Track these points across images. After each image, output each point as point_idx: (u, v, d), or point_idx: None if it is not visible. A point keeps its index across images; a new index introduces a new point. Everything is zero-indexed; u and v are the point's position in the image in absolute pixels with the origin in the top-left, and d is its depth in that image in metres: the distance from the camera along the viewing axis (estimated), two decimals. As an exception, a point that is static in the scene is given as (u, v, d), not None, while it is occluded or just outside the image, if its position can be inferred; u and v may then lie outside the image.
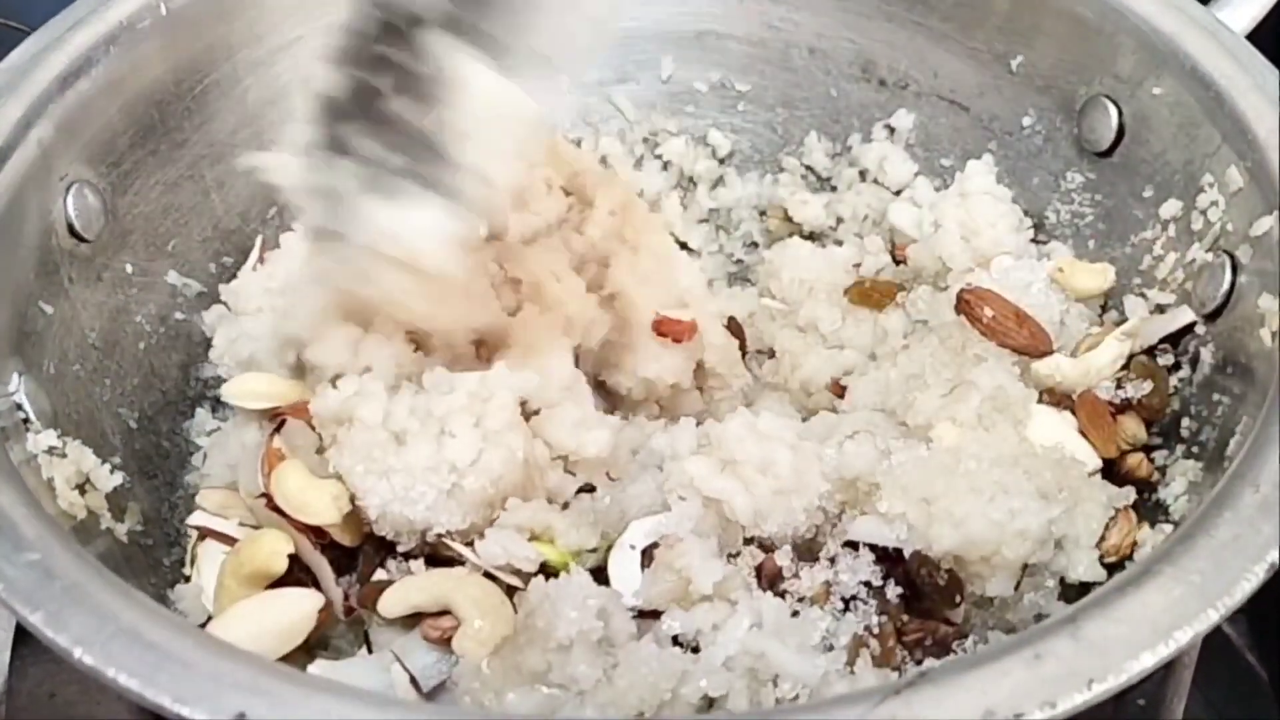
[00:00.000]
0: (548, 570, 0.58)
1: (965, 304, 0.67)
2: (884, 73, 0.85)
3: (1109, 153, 0.74)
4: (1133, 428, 0.64)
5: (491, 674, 0.52)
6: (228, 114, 0.78)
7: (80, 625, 0.45)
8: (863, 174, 0.87)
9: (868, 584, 0.57)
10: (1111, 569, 0.59)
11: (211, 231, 0.78)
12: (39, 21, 0.70)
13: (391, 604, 0.56)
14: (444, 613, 0.56)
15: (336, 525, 0.59)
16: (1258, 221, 0.61)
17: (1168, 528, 0.58)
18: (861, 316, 0.78)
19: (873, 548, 0.58)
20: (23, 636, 0.64)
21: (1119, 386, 0.66)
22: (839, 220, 0.87)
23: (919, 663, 0.55)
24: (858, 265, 0.82)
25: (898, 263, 0.82)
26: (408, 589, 0.57)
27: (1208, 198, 0.66)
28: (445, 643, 0.56)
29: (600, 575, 0.57)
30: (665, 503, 0.60)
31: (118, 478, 0.63)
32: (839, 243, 0.86)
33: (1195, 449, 0.61)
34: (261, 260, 0.77)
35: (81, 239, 0.68)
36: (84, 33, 0.69)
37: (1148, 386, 0.65)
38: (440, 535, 0.58)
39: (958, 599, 0.57)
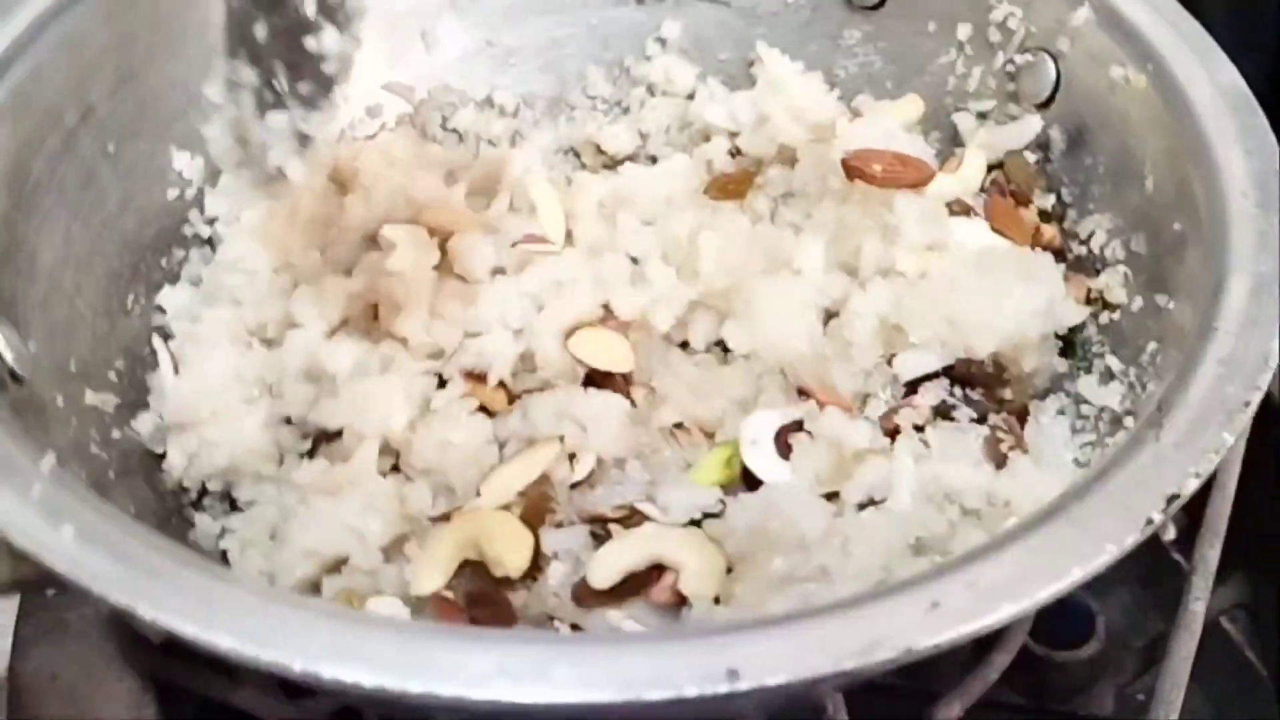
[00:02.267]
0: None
1: (854, 168, 0.75)
2: (639, -8, 0.91)
3: (881, 4, 0.85)
4: (1029, 214, 0.76)
5: (743, 593, 0.55)
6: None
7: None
8: (650, 89, 0.92)
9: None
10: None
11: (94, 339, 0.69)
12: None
13: (604, 574, 0.57)
14: (654, 571, 0.57)
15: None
16: (1074, 14, 0.74)
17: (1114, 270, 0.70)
18: (729, 208, 0.84)
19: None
20: (24, 619, 0.62)
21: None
22: (644, 137, 0.92)
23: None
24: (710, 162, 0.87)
25: (733, 156, 0.88)
26: (614, 556, 0.57)
27: (1002, 12, 0.79)
28: (673, 603, 0.57)
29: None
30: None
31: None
32: (653, 158, 0.91)
33: (1090, 205, 0.75)
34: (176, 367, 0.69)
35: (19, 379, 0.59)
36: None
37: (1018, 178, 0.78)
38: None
39: (1006, 378, 0.67)
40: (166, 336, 0.73)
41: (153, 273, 0.75)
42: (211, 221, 0.78)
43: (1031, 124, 0.78)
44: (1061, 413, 0.67)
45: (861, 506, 0.60)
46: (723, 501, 0.61)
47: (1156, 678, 0.60)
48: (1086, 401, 0.66)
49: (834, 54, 0.88)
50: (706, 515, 0.61)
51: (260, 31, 0.55)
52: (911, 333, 0.66)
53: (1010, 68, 0.79)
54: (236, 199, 0.78)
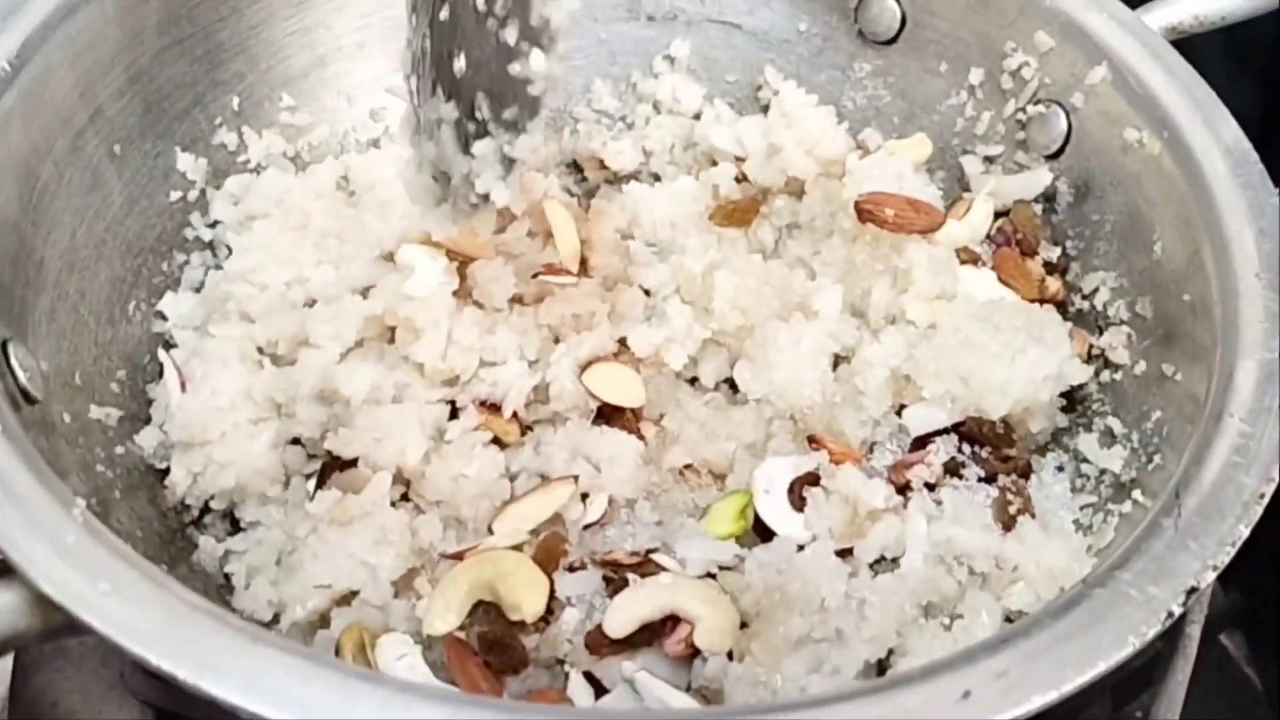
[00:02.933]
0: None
1: (867, 212, 0.75)
2: (650, 8, 0.90)
3: (894, 40, 0.86)
4: (1035, 265, 0.78)
5: (759, 650, 0.56)
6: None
7: None
8: (656, 106, 0.92)
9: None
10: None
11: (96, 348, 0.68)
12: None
13: (620, 623, 0.57)
14: (668, 622, 0.58)
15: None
16: (1090, 72, 0.75)
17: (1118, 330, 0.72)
18: (733, 236, 0.84)
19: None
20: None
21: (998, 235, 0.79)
22: (647, 154, 0.92)
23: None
24: (716, 187, 0.87)
25: (738, 181, 0.89)
26: (630, 605, 0.58)
27: (1016, 60, 0.79)
28: (686, 655, 0.58)
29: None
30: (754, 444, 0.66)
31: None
32: (656, 177, 0.91)
33: (1095, 261, 0.76)
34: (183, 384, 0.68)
35: (33, 400, 0.58)
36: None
37: (1025, 228, 0.79)
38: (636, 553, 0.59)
39: (1013, 438, 0.68)
40: (169, 346, 0.72)
41: (154, 277, 0.74)
42: (214, 225, 0.77)
43: (1041, 176, 0.79)
44: (1060, 469, 0.69)
45: (872, 564, 0.61)
46: (739, 556, 0.61)
47: (1154, 698, 0.60)
48: (1087, 460, 0.68)
49: (843, 85, 0.88)
50: (722, 568, 0.61)
51: (458, 65, 0.55)
52: (924, 387, 0.67)
53: (1021, 116, 0.80)
54: (244, 205, 0.77)
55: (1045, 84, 0.79)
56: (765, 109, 0.89)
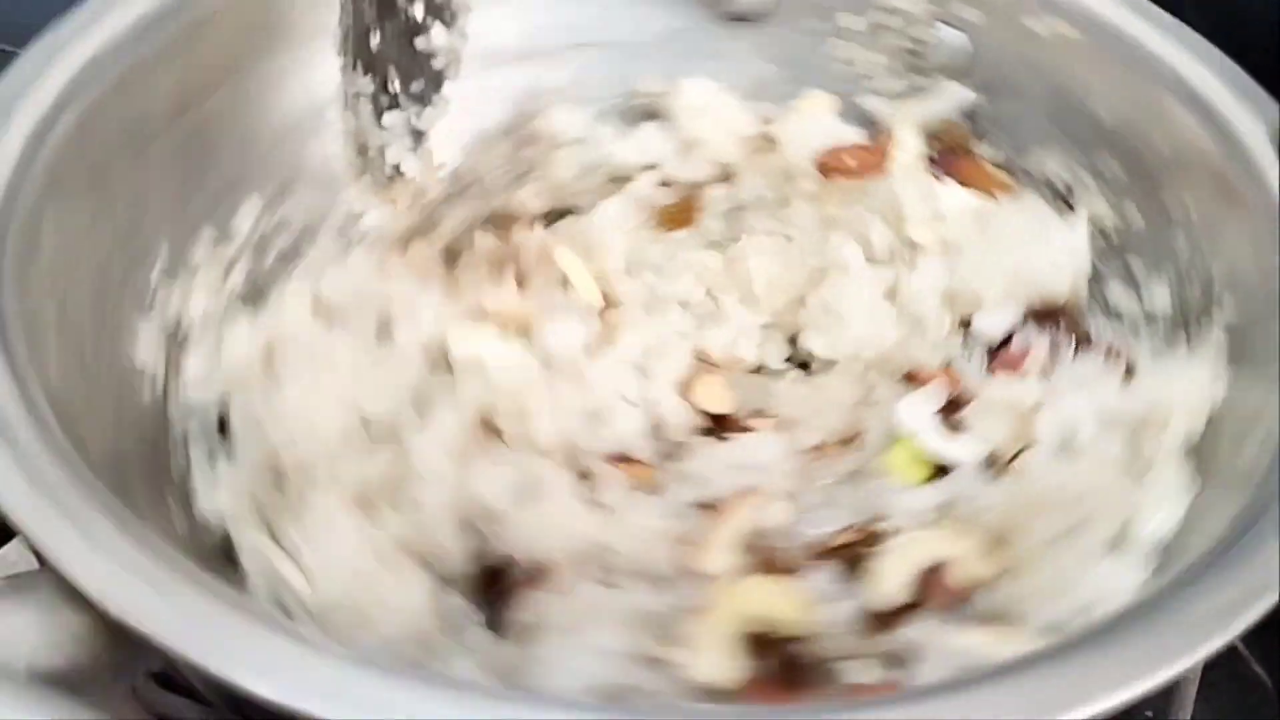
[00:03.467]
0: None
1: (831, 167, 0.79)
2: (515, 49, 0.89)
3: (762, 19, 0.89)
4: (988, 166, 0.83)
5: (1026, 558, 0.58)
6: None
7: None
8: (549, 143, 0.91)
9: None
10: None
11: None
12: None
13: (885, 593, 0.58)
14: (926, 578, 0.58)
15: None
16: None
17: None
18: (681, 236, 0.85)
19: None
20: None
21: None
22: (555, 191, 0.90)
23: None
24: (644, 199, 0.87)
25: (663, 186, 0.89)
26: (888, 574, 0.58)
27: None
28: (954, 600, 0.58)
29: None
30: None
31: None
32: (566, 211, 0.89)
33: (1036, 147, 0.82)
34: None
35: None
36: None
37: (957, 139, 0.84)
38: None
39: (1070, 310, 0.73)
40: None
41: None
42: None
43: (954, 92, 0.84)
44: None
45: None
46: (948, 492, 0.62)
47: (1165, 699, 0.61)
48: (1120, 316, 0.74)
49: (723, 71, 0.90)
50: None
51: (374, 40, 0.63)
52: (984, 294, 0.71)
53: (914, 45, 0.86)
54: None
55: (929, 8, 0.84)
56: (655, 114, 0.90)
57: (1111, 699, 0.42)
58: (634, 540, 0.61)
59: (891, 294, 0.74)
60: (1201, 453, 0.62)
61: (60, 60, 0.62)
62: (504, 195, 0.89)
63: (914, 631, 0.57)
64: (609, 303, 0.73)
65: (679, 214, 0.85)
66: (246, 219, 0.73)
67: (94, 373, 0.60)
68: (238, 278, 0.73)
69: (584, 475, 0.65)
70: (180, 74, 0.67)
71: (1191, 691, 0.60)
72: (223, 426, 0.68)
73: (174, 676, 0.54)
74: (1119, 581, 0.57)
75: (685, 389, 0.68)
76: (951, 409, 0.66)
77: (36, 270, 0.57)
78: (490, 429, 0.64)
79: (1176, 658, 0.44)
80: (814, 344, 0.72)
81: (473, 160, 0.88)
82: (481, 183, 0.90)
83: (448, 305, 0.69)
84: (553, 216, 0.89)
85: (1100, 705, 0.42)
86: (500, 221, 0.89)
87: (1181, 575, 0.48)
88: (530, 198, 0.88)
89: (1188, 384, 0.64)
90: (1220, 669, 0.44)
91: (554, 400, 0.64)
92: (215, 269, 0.71)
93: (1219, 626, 0.45)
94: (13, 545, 0.65)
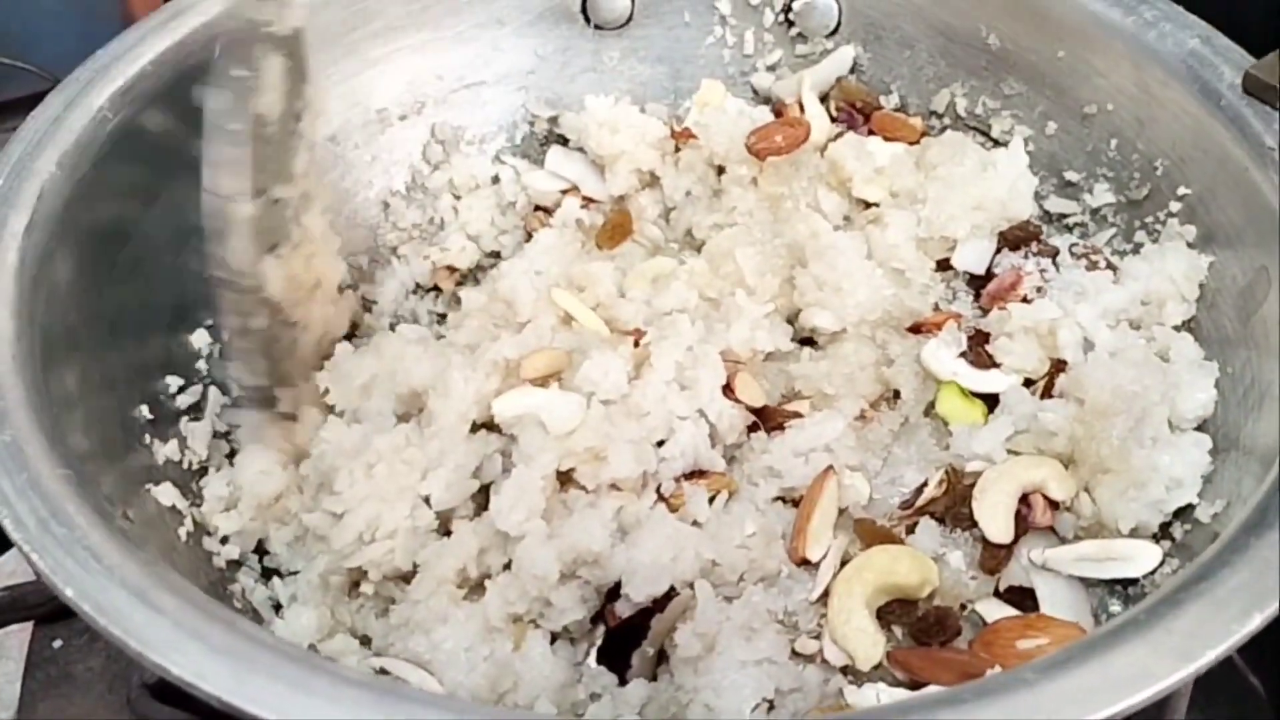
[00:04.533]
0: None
1: (763, 149, 0.78)
2: (397, 110, 0.86)
3: (629, 21, 0.89)
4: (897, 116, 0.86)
5: (1109, 462, 0.61)
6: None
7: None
8: (454, 193, 0.88)
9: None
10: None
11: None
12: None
13: (997, 529, 0.60)
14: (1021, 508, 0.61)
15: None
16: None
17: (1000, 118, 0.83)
18: (626, 249, 0.84)
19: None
20: (31, 671, 0.65)
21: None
22: (475, 238, 0.88)
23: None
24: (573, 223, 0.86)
25: (585, 206, 0.87)
26: (990, 511, 0.60)
27: (762, -26, 0.86)
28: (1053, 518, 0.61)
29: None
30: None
31: None
32: (497, 254, 0.87)
33: (930, 85, 0.85)
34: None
35: None
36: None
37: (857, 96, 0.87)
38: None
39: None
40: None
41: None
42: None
43: (837, 54, 0.87)
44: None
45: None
46: (1010, 425, 0.64)
47: (1159, 706, 0.56)
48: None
49: (603, 82, 0.90)
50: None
51: None
52: (955, 232, 0.73)
53: (784, 17, 0.88)
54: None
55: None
56: (560, 139, 0.89)
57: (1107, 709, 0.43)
58: (736, 549, 0.60)
59: (869, 254, 0.75)
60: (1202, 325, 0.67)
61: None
62: (428, 256, 0.86)
63: (1023, 562, 0.59)
64: (613, 328, 0.71)
65: (615, 230, 0.84)
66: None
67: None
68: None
69: (666, 499, 0.63)
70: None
71: (1184, 701, 0.60)
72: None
73: (167, 688, 0.52)
74: (1182, 470, 0.60)
75: (726, 390, 0.67)
76: (975, 344, 0.68)
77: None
78: (563, 477, 0.62)
79: (1171, 672, 0.45)
80: (818, 319, 0.72)
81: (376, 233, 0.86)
82: (394, 250, 0.86)
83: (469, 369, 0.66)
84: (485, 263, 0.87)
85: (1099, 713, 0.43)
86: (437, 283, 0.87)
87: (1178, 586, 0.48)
88: (458, 254, 0.86)
89: (1169, 263, 0.68)
90: (1213, 678, 0.44)
91: (618, 434, 0.62)
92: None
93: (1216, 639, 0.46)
94: (10, 555, 0.66)
